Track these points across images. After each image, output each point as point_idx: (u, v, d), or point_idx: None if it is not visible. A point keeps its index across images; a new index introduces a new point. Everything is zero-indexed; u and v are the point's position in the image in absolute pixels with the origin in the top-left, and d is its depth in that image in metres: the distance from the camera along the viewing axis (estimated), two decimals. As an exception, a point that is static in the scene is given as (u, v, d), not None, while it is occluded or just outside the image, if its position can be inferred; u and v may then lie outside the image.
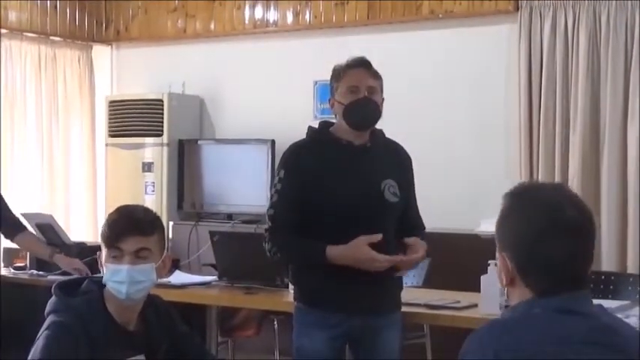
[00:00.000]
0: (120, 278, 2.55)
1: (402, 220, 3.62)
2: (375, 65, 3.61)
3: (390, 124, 3.77)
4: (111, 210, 2.71)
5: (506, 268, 1.88)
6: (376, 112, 3.51)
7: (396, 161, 3.62)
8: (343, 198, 3.45)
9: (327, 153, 3.54)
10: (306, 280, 3.57)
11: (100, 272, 2.60)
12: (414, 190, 3.69)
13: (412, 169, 3.68)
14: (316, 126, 3.66)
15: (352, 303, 3.48)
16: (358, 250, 3.39)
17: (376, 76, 3.53)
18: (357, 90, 3.48)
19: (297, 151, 3.57)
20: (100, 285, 2.60)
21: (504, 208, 1.91)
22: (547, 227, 1.83)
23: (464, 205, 6.26)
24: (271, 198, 3.55)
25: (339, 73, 3.53)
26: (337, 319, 3.49)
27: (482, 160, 6.32)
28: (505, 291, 1.92)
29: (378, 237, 3.41)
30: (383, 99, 3.59)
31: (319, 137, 3.59)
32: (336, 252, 3.40)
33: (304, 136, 3.64)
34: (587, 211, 1.87)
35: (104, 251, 2.59)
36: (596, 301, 1.90)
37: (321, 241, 3.43)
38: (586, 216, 1.87)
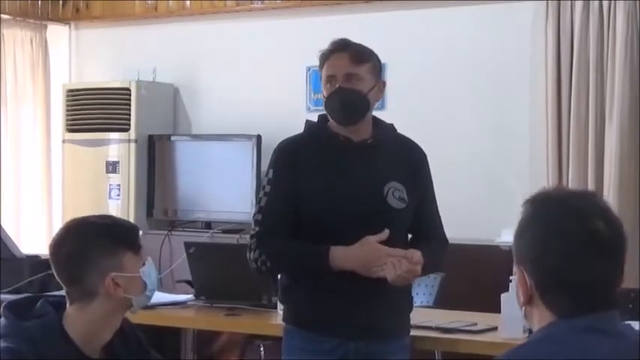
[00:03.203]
0: (156, 275, 2.77)
1: (414, 230, 3.63)
2: (378, 49, 3.62)
3: (393, 118, 3.78)
4: (69, 217, 2.74)
5: (525, 284, 1.92)
6: (355, 104, 3.51)
7: (406, 161, 3.62)
8: (338, 204, 3.47)
9: (322, 151, 3.56)
10: (295, 297, 3.58)
11: (51, 291, 2.64)
12: (432, 196, 3.68)
13: (429, 172, 3.68)
14: (315, 119, 3.67)
15: (350, 324, 3.47)
16: (368, 247, 3.40)
17: (360, 59, 3.52)
18: (334, 80, 3.52)
19: (288, 148, 3.59)
20: (57, 306, 2.61)
21: (525, 217, 1.95)
22: (574, 241, 1.88)
23: (482, 212, 6.27)
24: (259, 202, 3.57)
25: (320, 60, 3.57)
26: (331, 343, 3.49)
27: (503, 161, 6.33)
28: (523, 311, 1.95)
29: (384, 235, 3.42)
30: (382, 83, 3.61)
31: (315, 133, 3.60)
32: (340, 252, 3.41)
33: (295, 132, 3.66)
34: (619, 223, 1.92)
35: (130, 259, 2.67)
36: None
37: None
38: (618, 229, 1.92)
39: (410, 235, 3.66)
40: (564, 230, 1.88)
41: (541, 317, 1.92)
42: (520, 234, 1.94)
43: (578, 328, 1.86)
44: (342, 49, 3.53)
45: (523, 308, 1.96)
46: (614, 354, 1.84)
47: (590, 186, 5.88)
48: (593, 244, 1.87)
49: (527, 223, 1.94)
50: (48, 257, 2.63)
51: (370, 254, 3.41)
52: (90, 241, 2.64)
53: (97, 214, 2.86)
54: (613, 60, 5.89)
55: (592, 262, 1.87)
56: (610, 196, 5.80)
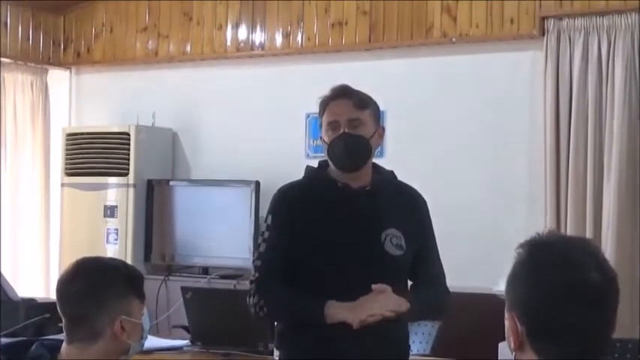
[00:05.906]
0: (148, 325, 2.81)
1: (415, 277, 3.62)
2: (376, 96, 3.64)
3: (392, 164, 3.79)
4: (67, 261, 2.74)
5: (516, 329, 1.92)
6: (360, 149, 3.51)
7: (405, 208, 3.61)
8: (336, 250, 3.46)
9: (320, 197, 3.56)
10: (290, 343, 3.57)
11: (47, 335, 2.63)
12: (433, 244, 3.67)
13: (429, 219, 3.67)
14: (314, 166, 3.67)
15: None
16: (363, 299, 3.37)
17: (362, 105, 3.53)
18: (337, 126, 3.52)
19: (287, 194, 3.59)
20: (52, 349, 2.61)
21: (518, 262, 1.95)
22: (566, 289, 1.88)
23: (479, 260, 6.26)
24: (258, 248, 3.58)
25: (321, 107, 3.57)
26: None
27: (501, 209, 6.33)
28: (514, 357, 1.95)
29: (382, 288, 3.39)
30: (381, 129, 3.61)
31: (315, 179, 3.61)
32: (335, 308, 3.38)
33: (294, 178, 3.67)
34: (612, 273, 1.92)
35: (136, 306, 2.70)
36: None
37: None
38: (611, 279, 1.91)
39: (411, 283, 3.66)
40: (555, 279, 1.88)
41: None
42: (512, 280, 1.95)
43: None
44: (344, 95, 3.53)
45: (514, 354, 1.96)
46: None
47: (589, 235, 5.87)
48: (584, 294, 1.87)
49: (520, 269, 1.94)
50: (44, 301, 2.63)
51: (362, 302, 3.39)
52: (105, 281, 2.65)
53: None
54: (612, 108, 5.90)
55: (582, 311, 1.87)
56: (608, 241, 5.79)
